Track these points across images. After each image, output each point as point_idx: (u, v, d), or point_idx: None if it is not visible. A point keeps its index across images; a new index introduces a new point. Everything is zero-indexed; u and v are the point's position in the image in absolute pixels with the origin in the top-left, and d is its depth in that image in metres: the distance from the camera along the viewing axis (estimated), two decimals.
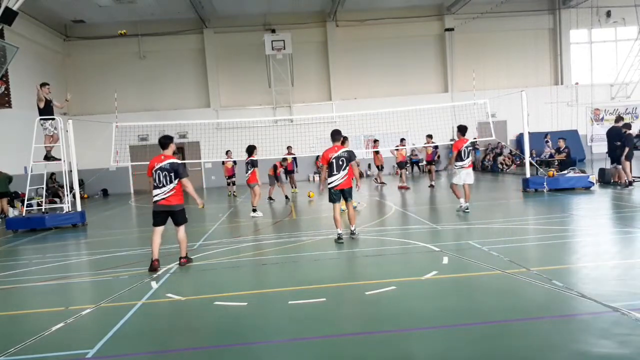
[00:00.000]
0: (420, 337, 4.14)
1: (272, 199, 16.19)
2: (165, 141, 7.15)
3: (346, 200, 8.36)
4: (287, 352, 4.01)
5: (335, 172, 8.13)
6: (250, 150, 12.88)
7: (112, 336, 4.49)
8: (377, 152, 19.03)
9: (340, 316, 4.80)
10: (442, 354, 3.77)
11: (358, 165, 9.12)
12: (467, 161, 10.59)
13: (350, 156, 8.22)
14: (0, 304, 6.13)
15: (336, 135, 8.34)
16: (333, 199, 8.30)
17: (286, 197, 16.57)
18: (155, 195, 7.04)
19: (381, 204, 14.13)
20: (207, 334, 4.49)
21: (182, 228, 7.18)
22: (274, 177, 16.83)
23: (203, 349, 4.17)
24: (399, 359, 3.72)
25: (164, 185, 6.98)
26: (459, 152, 10.55)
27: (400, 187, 17.12)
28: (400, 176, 17.73)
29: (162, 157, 7.10)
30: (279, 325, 4.58)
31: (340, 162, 8.10)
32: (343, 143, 8.61)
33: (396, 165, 18.65)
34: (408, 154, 26.86)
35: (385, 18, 25.96)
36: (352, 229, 8.43)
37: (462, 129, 10.76)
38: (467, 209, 10.48)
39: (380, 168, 19.62)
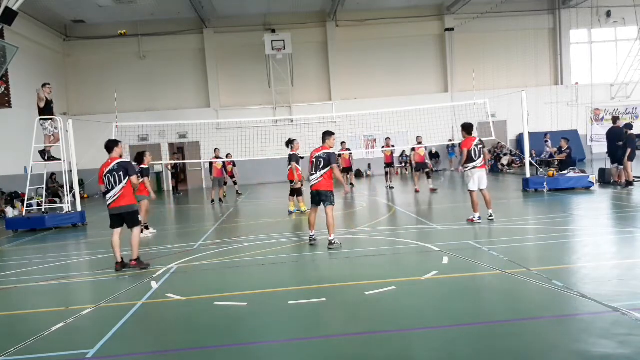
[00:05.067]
0: (420, 337, 4.14)
1: (214, 201, 16.66)
2: (110, 145, 7.28)
3: (322, 203, 7.94)
4: (287, 352, 4.02)
5: (312, 172, 8.04)
6: (139, 158, 10.58)
7: (112, 336, 4.49)
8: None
9: (340, 316, 4.80)
10: (442, 354, 3.77)
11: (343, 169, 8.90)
12: (480, 161, 9.42)
13: (330, 158, 7.96)
14: (0, 304, 6.13)
15: (324, 136, 8.25)
16: (311, 199, 8.17)
17: (220, 200, 17.07)
18: (108, 200, 7.18)
19: (381, 203, 14.13)
20: (207, 334, 4.49)
21: (135, 230, 7.23)
22: (218, 180, 17.08)
23: (203, 349, 4.16)
24: (399, 359, 3.72)
25: (113, 188, 7.09)
26: (469, 152, 9.40)
27: (417, 191, 15.55)
28: (424, 178, 16.32)
29: (109, 160, 7.21)
30: (279, 325, 4.58)
31: (318, 163, 7.97)
32: (324, 142, 8.25)
33: (413, 167, 16.92)
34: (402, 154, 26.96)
35: (385, 18, 25.94)
36: (330, 238, 7.80)
37: (468, 127, 9.65)
38: (490, 216, 9.42)
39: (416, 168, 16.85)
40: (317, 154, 8.07)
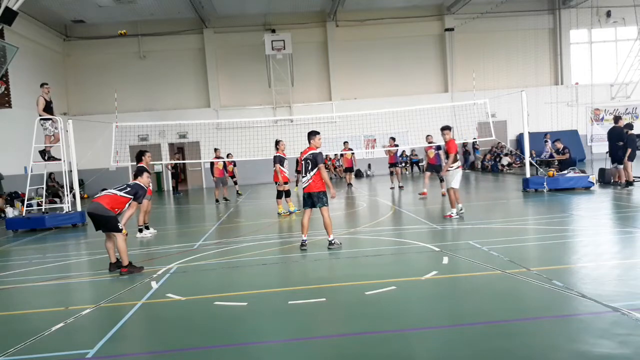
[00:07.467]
0: (420, 337, 4.14)
1: (218, 201, 16.69)
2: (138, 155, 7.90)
3: (314, 205, 7.82)
4: (287, 352, 4.01)
5: (303, 175, 7.92)
6: (139, 157, 9.64)
7: (112, 336, 4.49)
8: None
9: (340, 316, 4.80)
10: (442, 354, 3.77)
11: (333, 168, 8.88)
12: (459, 161, 10.28)
13: (316, 158, 7.75)
14: (0, 304, 6.12)
15: (309, 136, 8.06)
16: (303, 202, 8.01)
17: (225, 199, 17.14)
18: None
19: (381, 203, 14.12)
20: (207, 334, 4.49)
21: (118, 237, 6.79)
22: (220, 179, 17.05)
23: (203, 349, 4.16)
24: (399, 359, 3.71)
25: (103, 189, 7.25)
26: (455, 155, 10.10)
27: (424, 194, 14.04)
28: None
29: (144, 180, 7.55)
30: (279, 325, 4.58)
31: (307, 165, 7.85)
32: (310, 142, 8.06)
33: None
34: (407, 153, 26.97)
35: (385, 18, 25.95)
36: (330, 239, 7.80)
37: (451, 129, 10.35)
38: (461, 210, 10.14)
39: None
40: (304, 156, 7.92)
